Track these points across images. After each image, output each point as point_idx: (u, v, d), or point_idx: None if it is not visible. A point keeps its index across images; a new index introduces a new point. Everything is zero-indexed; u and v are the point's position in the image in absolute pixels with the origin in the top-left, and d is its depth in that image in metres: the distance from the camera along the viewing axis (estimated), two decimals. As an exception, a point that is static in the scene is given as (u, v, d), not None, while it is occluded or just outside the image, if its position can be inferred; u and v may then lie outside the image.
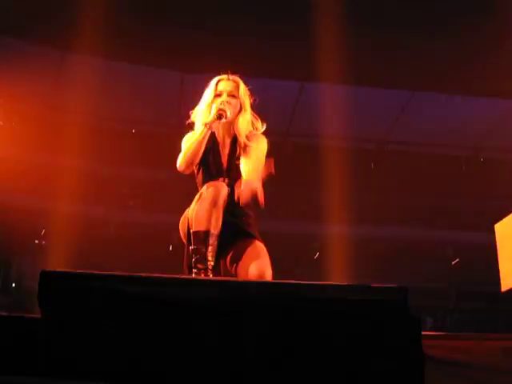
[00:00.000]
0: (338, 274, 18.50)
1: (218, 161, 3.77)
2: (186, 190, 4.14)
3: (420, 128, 23.62)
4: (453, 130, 23.72)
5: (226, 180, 3.68)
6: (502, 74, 18.14)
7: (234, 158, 3.77)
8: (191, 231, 3.53)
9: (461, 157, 26.75)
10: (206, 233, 3.43)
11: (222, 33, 17.47)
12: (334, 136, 21.42)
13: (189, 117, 3.99)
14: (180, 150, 3.86)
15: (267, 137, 3.99)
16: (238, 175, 3.70)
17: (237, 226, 3.71)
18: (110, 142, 23.01)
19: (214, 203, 3.43)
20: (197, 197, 3.66)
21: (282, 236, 22.95)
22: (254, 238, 3.74)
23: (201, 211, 3.47)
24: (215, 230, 3.45)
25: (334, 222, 20.81)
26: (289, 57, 18.41)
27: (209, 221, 3.44)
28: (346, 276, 18.12)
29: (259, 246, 3.70)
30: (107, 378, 2.43)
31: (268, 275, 3.55)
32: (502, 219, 4.79)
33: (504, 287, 4.62)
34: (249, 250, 3.64)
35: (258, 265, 3.56)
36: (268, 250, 3.69)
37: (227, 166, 3.76)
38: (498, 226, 4.83)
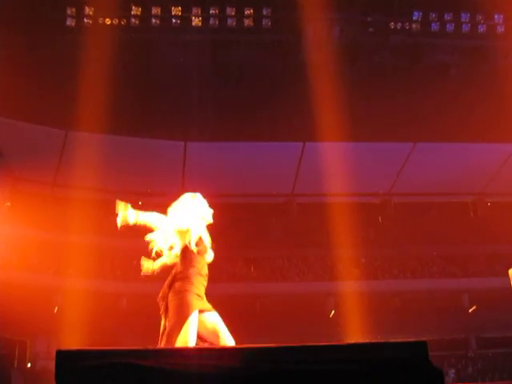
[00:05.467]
0: (355, 331, 18.19)
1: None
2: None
3: (424, 178, 23.66)
4: (457, 177, 23.78)
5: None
6: (499, 119, 18.32)
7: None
8: None
9: (468, 203, 26.71)
10: None
11: (220, 101, 17.83)
12: (339, 193, 21.44)
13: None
14: None
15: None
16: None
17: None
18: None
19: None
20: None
21: (296, 297, 22.76)
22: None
23: None
24: None
25: (346, 279, 20.63)
26: (287, 118, 18.61)
27: None
28: (363, 332, 17.81)
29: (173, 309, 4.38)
30: None
31: (174, 335, 4.12)
32: (514, 263, 4.77)
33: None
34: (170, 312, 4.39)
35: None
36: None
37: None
38: (511, 271, 4.81)
